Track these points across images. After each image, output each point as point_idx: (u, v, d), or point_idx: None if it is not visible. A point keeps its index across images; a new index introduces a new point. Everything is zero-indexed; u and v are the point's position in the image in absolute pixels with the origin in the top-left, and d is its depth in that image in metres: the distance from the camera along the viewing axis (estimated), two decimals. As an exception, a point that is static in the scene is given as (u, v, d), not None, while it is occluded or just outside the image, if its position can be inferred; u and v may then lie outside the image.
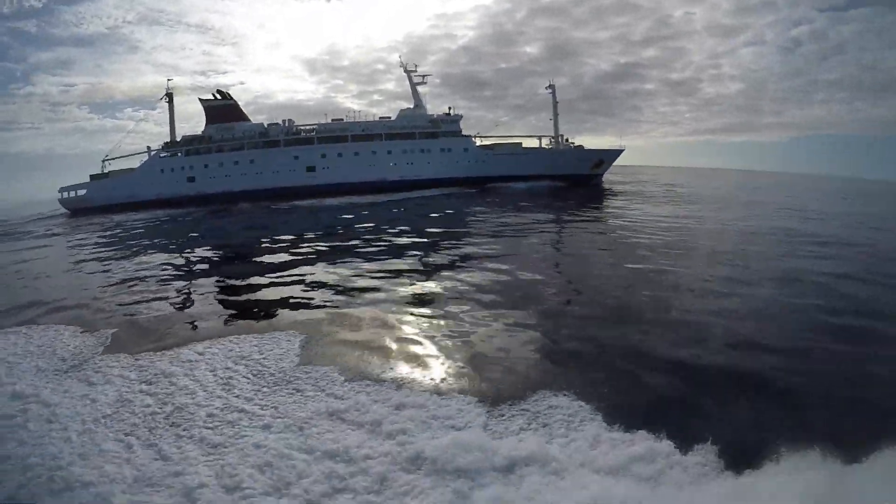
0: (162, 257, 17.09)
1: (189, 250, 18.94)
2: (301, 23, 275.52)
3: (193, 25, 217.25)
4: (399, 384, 6.08)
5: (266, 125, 43.23)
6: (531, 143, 44.55)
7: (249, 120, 44.12)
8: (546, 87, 44.35)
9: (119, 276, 14.10)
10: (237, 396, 5.81)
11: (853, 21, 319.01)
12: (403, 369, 6.59)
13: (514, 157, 41.47)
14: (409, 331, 8.19)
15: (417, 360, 6.89)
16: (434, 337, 7.83)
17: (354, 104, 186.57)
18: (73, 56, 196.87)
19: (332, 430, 4.94)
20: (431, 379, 6.29)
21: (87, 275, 14.85)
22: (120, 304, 10.86)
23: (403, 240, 17.92)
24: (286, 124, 43.18)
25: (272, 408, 5.53)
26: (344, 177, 40.33)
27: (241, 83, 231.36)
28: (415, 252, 15.31)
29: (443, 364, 6.78)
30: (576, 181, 42.02)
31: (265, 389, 5.97)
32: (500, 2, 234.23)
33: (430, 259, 14.28)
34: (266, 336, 7.87)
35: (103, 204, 41.83)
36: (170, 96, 46.68)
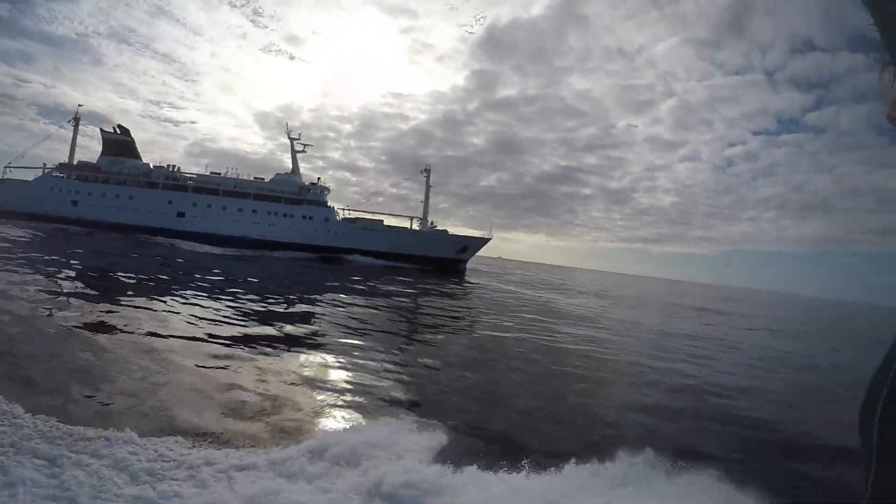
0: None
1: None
2: (262, 75, 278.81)
3: (160, 54, 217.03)
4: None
5: (152, 167, 46.01)
6: (403, 223, 47.84)
7: (141, 158, 46.88)
8: (422, 171, 48.05)
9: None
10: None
11: (784, 145, 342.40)
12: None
13: (374, 232, 44.57)
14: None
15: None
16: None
17: (300, 166, 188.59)
18: (36, 52, 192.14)
19: None
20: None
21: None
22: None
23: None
24: (171, 169, 46.03)
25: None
26: (210, 227, 42.95)
27: (193, 122, 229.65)
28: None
29: None
30: (440, 266, 44.97)
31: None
32: (456, 90, 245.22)
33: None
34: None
35: None
36: (77, 120, 49.66)
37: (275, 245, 42.61)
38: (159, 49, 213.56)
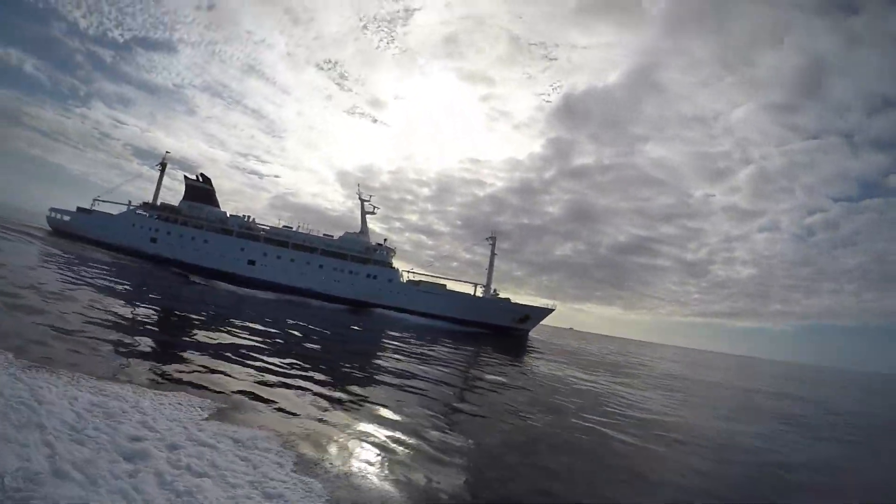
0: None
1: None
2: (345, 136, 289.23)
3: (250, 109, 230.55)
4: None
5: (228, 215, 48.22)
6: (468, 289, 47.86)
7: (219, 206, 49.47)
8: (487, 239, 48.47)
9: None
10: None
11: (866, 211, 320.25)
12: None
13: (435, 296, 44.50)
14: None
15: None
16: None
17: (377, 227, 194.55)
18: (135, 97, 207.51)
19: None
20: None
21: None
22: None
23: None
24: (246, 218, 48.11)
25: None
26: (278, 277, 44.16)
27: (276, 176, 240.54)
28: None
29: None
30: (497, 333, 44.31)
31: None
32: (533, 158, 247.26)
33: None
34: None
35: (80, 234, 46.60)
36: (163, 165, 53.08)
37: (338, 300, 43.06)
38: (249, 104, 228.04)
